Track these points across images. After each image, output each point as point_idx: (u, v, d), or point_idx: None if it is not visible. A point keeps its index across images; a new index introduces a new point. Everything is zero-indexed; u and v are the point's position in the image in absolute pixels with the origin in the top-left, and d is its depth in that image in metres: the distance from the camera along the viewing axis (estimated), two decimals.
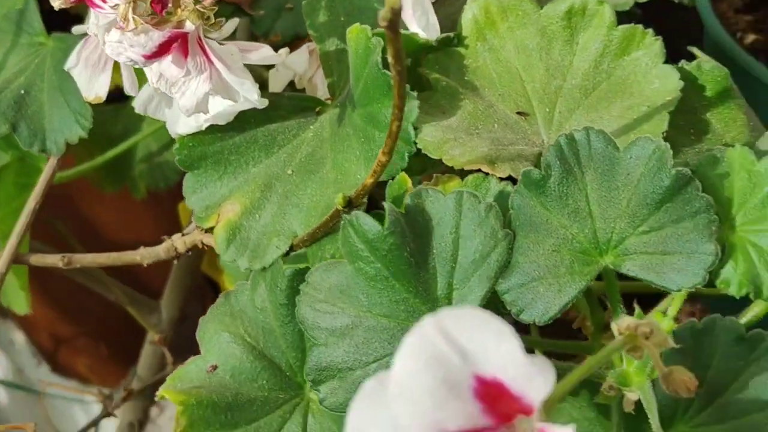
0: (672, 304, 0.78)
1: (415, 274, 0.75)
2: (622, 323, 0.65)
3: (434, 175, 0.80)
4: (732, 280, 0.75)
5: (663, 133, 0.80)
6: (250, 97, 0.81)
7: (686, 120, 0.84)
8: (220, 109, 0.83)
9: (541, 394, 0.51)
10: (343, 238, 0.76)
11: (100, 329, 1.78)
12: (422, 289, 0.75)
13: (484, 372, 0.50)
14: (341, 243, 0.76)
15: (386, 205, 0.75)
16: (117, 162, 1.26)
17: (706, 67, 0.85)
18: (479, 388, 0.50)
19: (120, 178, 1.32)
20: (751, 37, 1.15)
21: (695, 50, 0.88)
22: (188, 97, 0.81)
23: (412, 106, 0.79)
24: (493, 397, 0.51)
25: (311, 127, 0.87)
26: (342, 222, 0.76)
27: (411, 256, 0.75)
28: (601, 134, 0.75)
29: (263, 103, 0.82)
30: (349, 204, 0.78)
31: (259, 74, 0.95)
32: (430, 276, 0.75)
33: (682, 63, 0.84)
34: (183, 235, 0.93)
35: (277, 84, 0.95)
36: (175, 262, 1.01)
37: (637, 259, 0.74)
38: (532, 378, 0.50)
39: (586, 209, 0.75)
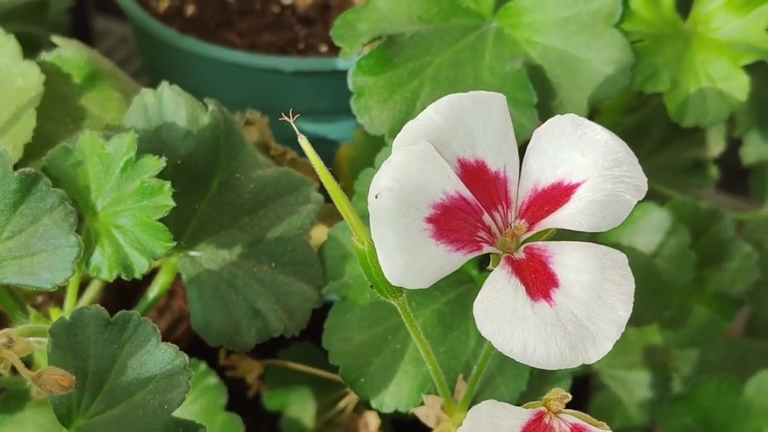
0: (68, 299, 0.78)
1: None
2: None
3: None
4: (102, 266, 0.75)
5: (33, 130, 0.79)
6: None
7: (62, 111, 0.84)
8: None
9: None
10: None
11: None
12: None
13: None
14: None
15: None
16: None
17: (66, 54, 0.85)
18: None
19: None
20: (165, 4, 1.14)
21: (57, 39, 0.88)
22: None
23: None
24: None
25: None
26: None
27: None
28: None
29: None
30: None
31: None
32: None
33: (43, 55, 0.84)
34: None
35: None
36: None
37: (9, 266, 0.73)
38: None
39: None
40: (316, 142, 1.13)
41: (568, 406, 0.67)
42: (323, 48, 1.10)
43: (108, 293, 1.09)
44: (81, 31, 1.55)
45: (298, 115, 0.65)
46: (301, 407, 1.14)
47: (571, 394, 1.01)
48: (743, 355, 1.13)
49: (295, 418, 1.15)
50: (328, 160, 1.03)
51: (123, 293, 1.13)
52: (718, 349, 1.09)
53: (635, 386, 1.15)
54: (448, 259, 0.61)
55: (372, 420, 0.97)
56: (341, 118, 1.09)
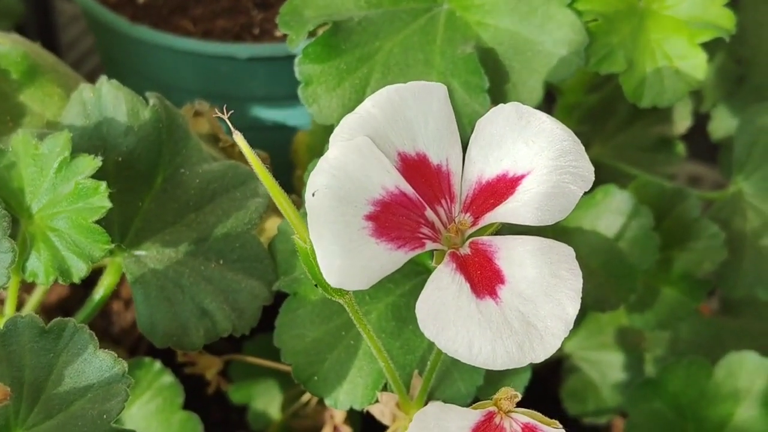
0: (8, 305, 0.76)
1: None
2: None
3: None
4: (38, 271, 0.73)
5: None
6: None
7: (0, 109, 0.82)
8: None
9: None
10: None
11: None
12: None
13: None
14: None
15: None
16: None
17: (1, 50, 0.82)
18: None
19: None
20: None
21: None
22: None
23: None
24: None
25: None
26: None
27: None
28: None
29: None
30: None
31: None
32: None
33: None
34: None
35: None
36: None
37: None
38: None
39: None
40: (274, 128, 1.11)
41: (538, 393, 0.65)
42: (279, 33, 1.07)
43: (74, 286, 1.05)
44: (43, 18, 1.52)
45: (232, 111, 0.63)
46: (267, 400, 1.13)
47: (543, 377, 0.99)
48: (717, 334, 1.11)
49: (261, 411, 1.13)
50: (286, 146, 1.00)
51: (90, 285, 1.10)
52: (689, 330, 1.08)
53: (608, 368, 1.13)
54: (389, 258, 0.59)
55: (337, 411, 0.95)
56: (299, 103, 1.07)
